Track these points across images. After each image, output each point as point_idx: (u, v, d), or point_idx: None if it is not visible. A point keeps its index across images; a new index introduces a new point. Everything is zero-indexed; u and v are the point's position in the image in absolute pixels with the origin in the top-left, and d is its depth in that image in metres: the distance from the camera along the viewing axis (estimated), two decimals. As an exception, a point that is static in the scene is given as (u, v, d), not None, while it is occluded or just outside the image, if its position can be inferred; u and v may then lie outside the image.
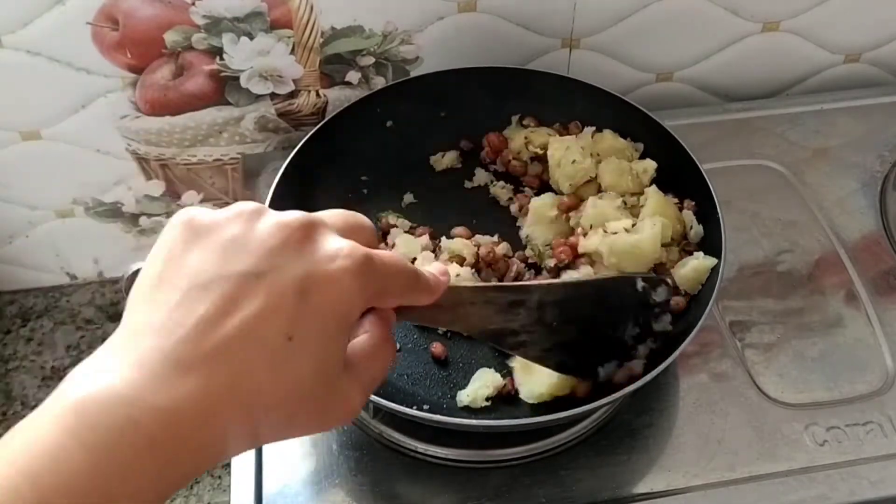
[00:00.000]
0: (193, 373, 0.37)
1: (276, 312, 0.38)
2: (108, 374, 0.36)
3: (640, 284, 0.63)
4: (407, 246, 0.75)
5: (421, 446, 0.68)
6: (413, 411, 0.63)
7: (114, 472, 0.34)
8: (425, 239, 0.76)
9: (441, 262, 0.74)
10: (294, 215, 0.41)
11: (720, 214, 0.71)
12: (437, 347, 0.70)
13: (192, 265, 0.39)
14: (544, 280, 0.68)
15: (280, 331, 0.38)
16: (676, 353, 0.62)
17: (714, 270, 0.69)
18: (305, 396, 0.40)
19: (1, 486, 0.33)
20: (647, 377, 0.62)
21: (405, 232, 0.78)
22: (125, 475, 0.35)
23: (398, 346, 0.70)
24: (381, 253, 0.43)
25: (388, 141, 0.83)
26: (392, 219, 0.78)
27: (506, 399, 0.67)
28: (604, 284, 0.64)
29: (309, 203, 0.77)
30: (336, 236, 0.42)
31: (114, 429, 0.35)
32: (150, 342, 0.37)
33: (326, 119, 0.80)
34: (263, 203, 0.70)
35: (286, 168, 0.75)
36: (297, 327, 0.39)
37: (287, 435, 0.41)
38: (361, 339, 0.45)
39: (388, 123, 0.84)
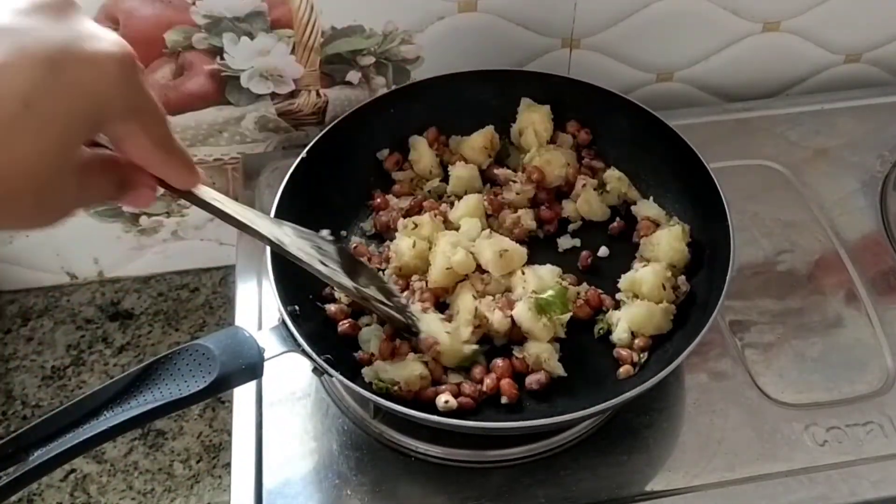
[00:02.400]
0: None
1: (17, 72, 0.35)
2: None
3: None
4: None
5: (421, 446, 0.68)
6: (413, 411, 0.63)
7: None
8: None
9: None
10: None
11: (729, 217, 0.71)
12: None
13: None
14: None
15: (18, 93, 0.35)
16: (680, 359, 0.63)
17: (722, 277, 0.68)
18: (26, 175, 0.36)
19: None
20: (649, 383, 0.62)
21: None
22: None
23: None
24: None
25: (392, 145, 0.83)
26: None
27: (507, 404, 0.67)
28: None
29: (318, 209, 0.77)
30: (101, 27, 0.38)
31: None
32: None
33: (330, 126, 0.80)
34: (271, 210, 0.71)
35: (293, 173, 0.75)
36: (38, 97, 0.35)
37: None
38: (104, 157, 0.42)
39: (392, 127, 0.84)
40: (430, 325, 0.69)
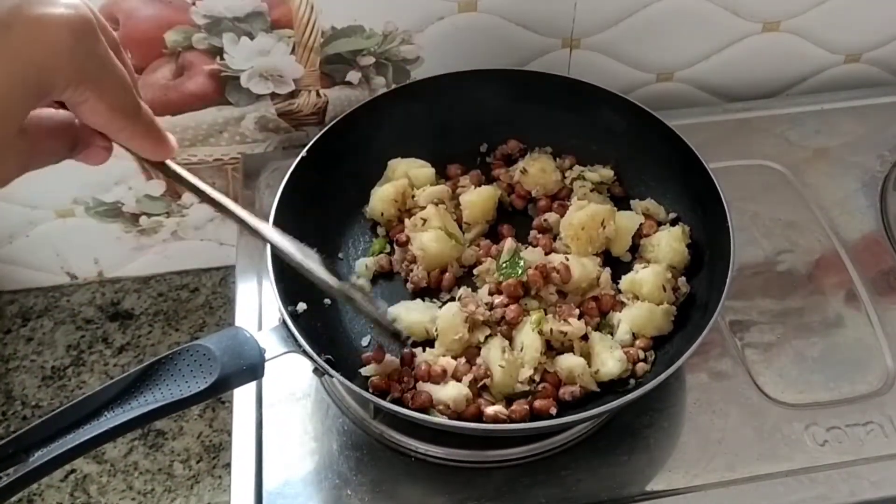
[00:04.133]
0: None
1: None
2: None
3: None
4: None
5: (421, 446, 0.68)
6: (413, 413, 0.63)
7: None
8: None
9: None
10: None
11: (729, 219, 0.71)
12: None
13: None
14: None
15: None
16: (681, 360, 0.63)
17: (722, 277, 0.68)
18: None
19: None
20: (650, 384, 0.62)
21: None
22: None
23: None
24: (115, 54, 0.39)
25: (392, 144, 0.83)
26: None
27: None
28: None
29: (318, 209, 0.77)
30: None
31: None
32: None
33: (330, 126, 0.79)
34: (271, 210, 0.71)
35: (293, 173, 0.75)
36: None
37: None
38: (61, 116, 0.41)
39: (392, 127, 0.83)
40: (490, 352, 0.68)
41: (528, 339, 0.68)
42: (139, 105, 0.43)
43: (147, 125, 0.44)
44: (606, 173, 0.81)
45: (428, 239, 0.74)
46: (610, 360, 0.67)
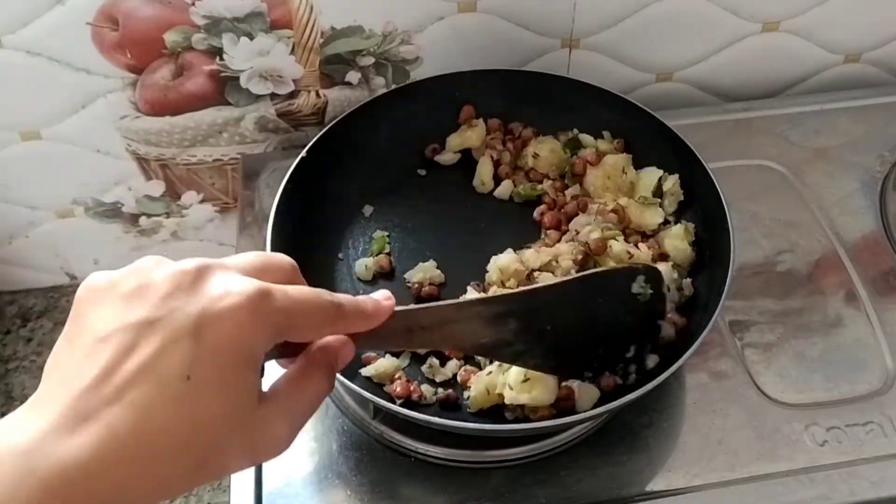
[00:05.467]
0: (95, 421, 0.37)
1: (171, 354, 0.39)
2: (13, 428, 0.37)
3: (637, 285, 0.63)
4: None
5: (421, 447, 0.68)
6: (412, 412, 0.63)
7: None
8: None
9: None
10: (190, 261, 0.42)
11: (729, 219, 0.71)
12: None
13: (95, 322, 0.41)
14: (528, 287, 0.66)
15: (177, 372, 0.38)
16: (681, 361, 0.62)
17: (722, 277, 0.68)
18: (217, 435, 0.40)
19: None
20: (650, 385, 0.61)
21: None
22: None
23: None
24: (290, 288, 0.43)
25: (392, 144, 0.83)
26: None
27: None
28: (591, 280, 0.62)
29: (318, 209, 0.77)
30: (234, 275, 0.42)
31: (12, 478, 0.35)
32: (57, 396, 0.38)
33: (330, 126, 0.79)
34: (269, 211, 0.71)
35: (293, 173, 0.75)
36: (194, 367, 0.39)
37: (208, 476, 0.41)
38: (288, 371, 0.46)
39: (391, 127, 0.83)
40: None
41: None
42: (337, 303, 0.46)
43: (353, 310, 0.47)
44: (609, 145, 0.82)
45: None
46: None
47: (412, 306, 0.52)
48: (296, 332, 0.44)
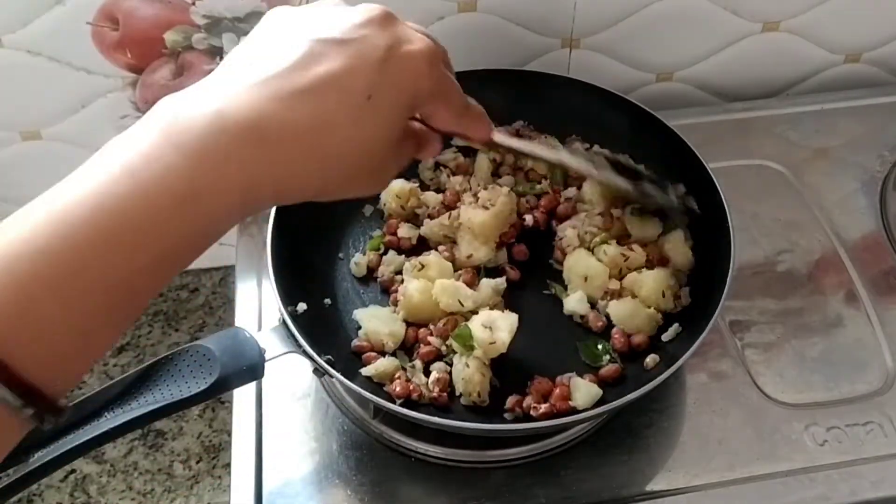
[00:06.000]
0: (279, 101, 0.41)
1: (358, 71, 0.43)
2: (198, 94, 0.42)
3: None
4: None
5: (421, 446, 0.68)
6: (413, 412, 0.63)
7: (204, 172, 0.39)
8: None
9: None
10: (375, 5, 0.47)
11: (729, 219, 0.71)
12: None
13: (283, 35, 0.44)
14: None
15: (361, 88, 0.43)
16: (681, 361, 0.63)
17: (722, 277, 0.68)
18: (370, 154, 0.45)
19: (100, 179, 0.39)
20: (650, 385, 0.62)
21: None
22: (212, 175, 0.39)
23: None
24: (444, 66, 0.50)
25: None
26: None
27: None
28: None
29: (317, 209, 0.76)
30: (414, 31, 0.48)
31: (204, 134, 0.39)
32: (242, 74, 0.42)
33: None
34: (267, 223, 0.71)
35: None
36: (376, 89, 0.44)
37: (341, 191, 0.46)
38: (412, 125, 0.52)
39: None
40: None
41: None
42: (468, 104, 0.53)
43: (474, 116, 0.54)
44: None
45: (413, 288, 0.70)
46: None
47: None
48: (437, 107, 0.50)
